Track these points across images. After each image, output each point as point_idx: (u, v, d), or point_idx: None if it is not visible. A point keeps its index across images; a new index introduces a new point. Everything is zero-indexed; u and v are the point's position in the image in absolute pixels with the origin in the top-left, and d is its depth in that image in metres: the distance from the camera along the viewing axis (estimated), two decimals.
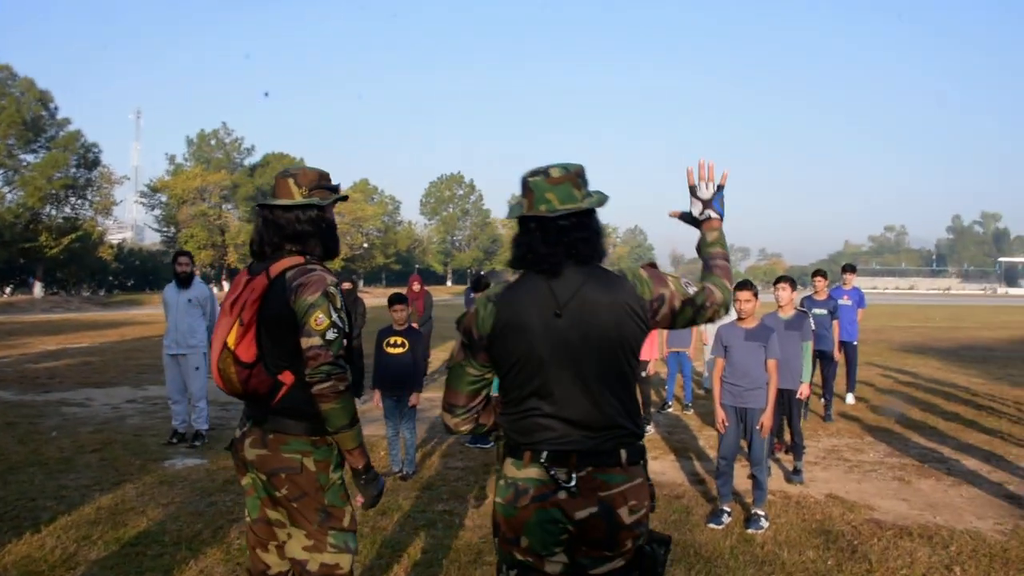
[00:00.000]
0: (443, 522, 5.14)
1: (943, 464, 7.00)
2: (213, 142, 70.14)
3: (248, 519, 2.78)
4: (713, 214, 2.54)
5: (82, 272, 52.87)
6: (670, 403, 9.80)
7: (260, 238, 2.69)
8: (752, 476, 5.34)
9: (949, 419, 9.17)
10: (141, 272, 58.95)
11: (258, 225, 2.72)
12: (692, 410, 9.52)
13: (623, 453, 2.26)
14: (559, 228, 2.25)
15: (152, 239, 71.79)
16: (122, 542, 4.65)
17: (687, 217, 2.62)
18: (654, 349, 8.53)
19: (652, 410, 8.64)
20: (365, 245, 70.46)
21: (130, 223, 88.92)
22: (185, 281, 7.37)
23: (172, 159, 66.90)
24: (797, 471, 6.44)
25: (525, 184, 2.31)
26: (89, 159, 47.69)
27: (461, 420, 2.40)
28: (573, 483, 2.21)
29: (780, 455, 6.98)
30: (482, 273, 9.00)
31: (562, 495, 2.22)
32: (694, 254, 2.67)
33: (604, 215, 2.53)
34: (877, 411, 9.67)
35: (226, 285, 56.77)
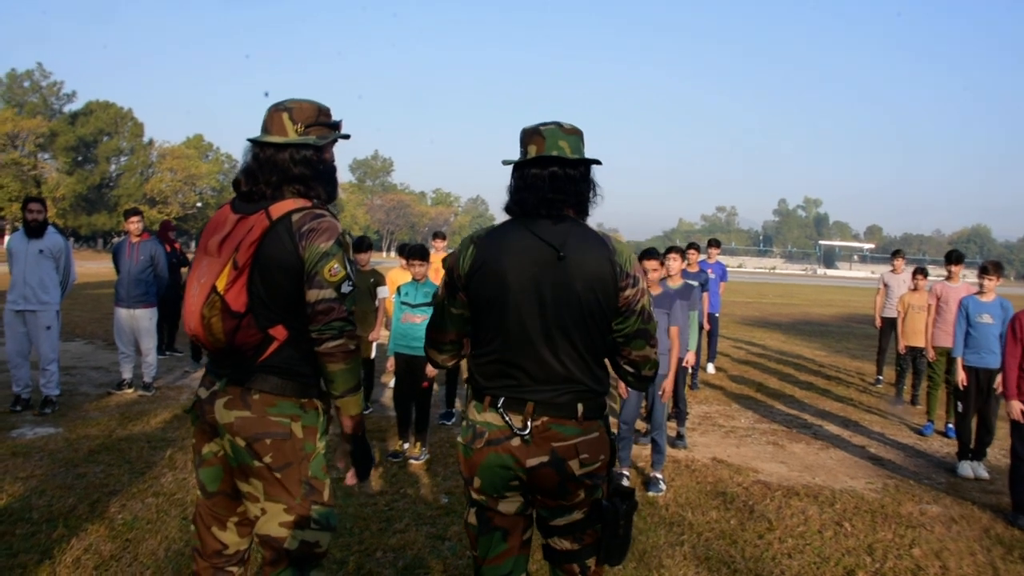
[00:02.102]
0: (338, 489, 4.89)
1: (808, 429, 7.46)
2: (27, 84, 63.69)
3: (202, 493, 2.45)
4: None
5: None
6: None
7: (253, 178, 2.35)
8: (653, 440, 5.43)
9: (804, 388, 9.83)
10: None
11: (249, 164, 2.38)
12: None
13: (580, 407, 2.24)
14: (568, 177, 2.26)
15: None
16: None
17: None
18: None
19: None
20: (199, 204, 66.37)
21: None
22: (36, 230, 6.58)
23: None
24: (681, 436, 6.64)
25: (535, 131, 2.29)
26: None
27: (448, 356, 2.44)
28: (527, 431, 2.21)
29: None
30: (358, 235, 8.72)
31: (515, 442, 2.23)
32: None
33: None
34: (737, 380, 10.18)
35: None
